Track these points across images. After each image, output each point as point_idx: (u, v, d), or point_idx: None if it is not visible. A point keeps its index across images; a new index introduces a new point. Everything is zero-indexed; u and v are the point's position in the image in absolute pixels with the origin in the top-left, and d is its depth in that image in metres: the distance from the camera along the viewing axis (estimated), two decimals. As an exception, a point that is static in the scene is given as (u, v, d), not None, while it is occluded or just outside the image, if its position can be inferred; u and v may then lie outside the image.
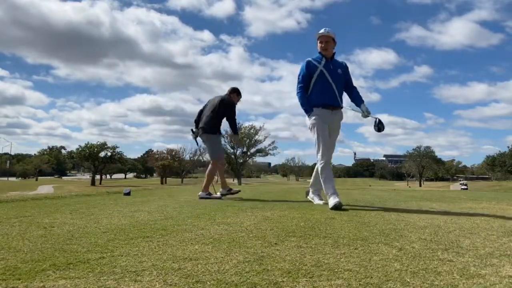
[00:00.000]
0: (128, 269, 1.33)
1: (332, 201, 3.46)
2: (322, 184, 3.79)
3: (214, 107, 5.10)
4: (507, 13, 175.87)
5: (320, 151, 3.78)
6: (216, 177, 5.47)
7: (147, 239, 1.87)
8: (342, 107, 3.95)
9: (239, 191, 5.26)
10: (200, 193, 4.91)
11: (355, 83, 4.11)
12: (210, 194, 4.87)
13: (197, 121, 5.29)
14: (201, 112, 5.28)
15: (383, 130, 3.90)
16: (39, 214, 2.86)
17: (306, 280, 1.23)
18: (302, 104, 3.89)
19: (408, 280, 1.24)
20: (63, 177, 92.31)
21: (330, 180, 3.74)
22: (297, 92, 3.92)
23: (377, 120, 3.91)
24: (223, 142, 5.40)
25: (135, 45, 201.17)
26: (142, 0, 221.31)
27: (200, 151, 5.47)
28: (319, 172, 3.80)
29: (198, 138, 5.35)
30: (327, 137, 3.83)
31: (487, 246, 1.80)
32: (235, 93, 5.26)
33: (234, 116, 5.16)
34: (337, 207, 3.35)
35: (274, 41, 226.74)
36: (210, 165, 5.10)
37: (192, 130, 5.42)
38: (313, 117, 3.83)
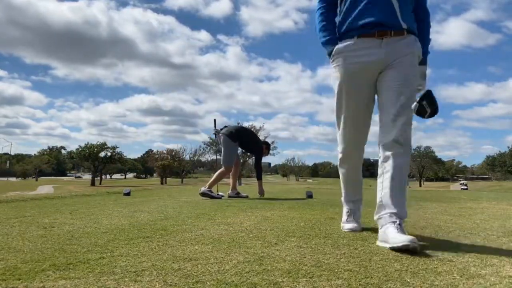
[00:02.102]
0: (128, 269, 1.33)
1: (346, 225, 2.24)
2: (342, 189, 2.35)
3: (253, 133, 5.90)
4: (504, 13, 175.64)
5: (340, 133, 2.16)
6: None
7: (147, 239, 1.87)
8: (406, 29, 1.95)
9: (247, 196, 5.25)
10: (202, 188, 4.95)
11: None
12: (211, 191, 4.90)
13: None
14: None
15: (429, 112, 1.92)
16: (39, 214, 2.86)
17: (306, 280, 1.23)
18: (321, 37, 2.12)
19: (408, 280, 1.24)
20: (63, 178, 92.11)
21: (349, 185, 2.33)
22: (316, 18, 2.16)
23: (419, 100, 1.90)
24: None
25: (133, 45, 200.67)
26: (139, 0, 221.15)
27: (215, 134, 5.52)
28: (338, 168, 2.30)
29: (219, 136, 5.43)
30: (358, 104, 2.06)
31: (487, 246, 1.80)
32: (265, 145, 5.67)
33: (260, 161, 5.58)
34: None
35: (272, 41, 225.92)
36: (223, 168, 5.17)
37: (217, 130, 5.54)
38: (336, 61, 2.05)
